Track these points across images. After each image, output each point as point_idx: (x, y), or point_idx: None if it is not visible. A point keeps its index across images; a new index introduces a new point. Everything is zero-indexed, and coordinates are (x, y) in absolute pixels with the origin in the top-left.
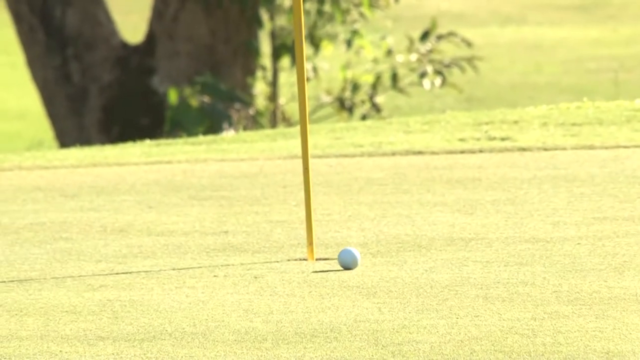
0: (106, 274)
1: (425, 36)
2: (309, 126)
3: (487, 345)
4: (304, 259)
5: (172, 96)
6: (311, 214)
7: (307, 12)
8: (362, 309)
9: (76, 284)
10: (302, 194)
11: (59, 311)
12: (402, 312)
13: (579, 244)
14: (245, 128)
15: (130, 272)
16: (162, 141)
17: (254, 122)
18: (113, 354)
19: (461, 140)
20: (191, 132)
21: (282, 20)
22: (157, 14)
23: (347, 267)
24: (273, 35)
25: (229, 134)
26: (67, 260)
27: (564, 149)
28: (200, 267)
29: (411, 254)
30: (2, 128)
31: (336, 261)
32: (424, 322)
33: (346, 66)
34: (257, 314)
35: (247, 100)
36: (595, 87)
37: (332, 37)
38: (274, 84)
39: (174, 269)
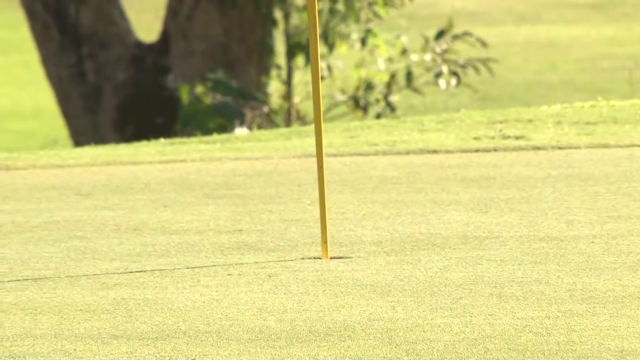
0: (120, 273)
1: (440, 35)
2: (323, 125)
3: (501, 344)
4: (318, 258)
5: (184, 93)
6: (325, 213)
7: (320, 11)
8: (376, 307)
9: (90, 282)
10: (316, 192)
11: (73, 310)
12: (416, 310)
13: (593, 242)
14: (259, 127)
15: (144, 271)
16: (177, 140)
17: (269, 121)
18: (127, 352)
19: (476, 139)
20: (203, 130)
21: (296, 19)
22: (172, 13)
23: None
24: (287, 34)
25: (241, 132)
26: (82, 259)
27: (579, 147)
28: (215, 265)
29: (425, 253)
30: (16, 127)
31: (351, 259)
32: (438, 320)
33: (360, 65)
34: (271, 312)
35: (261, 98)
36: (609, 86)
37: (346, 36)
38: (288, 82)
39: (188, 268)
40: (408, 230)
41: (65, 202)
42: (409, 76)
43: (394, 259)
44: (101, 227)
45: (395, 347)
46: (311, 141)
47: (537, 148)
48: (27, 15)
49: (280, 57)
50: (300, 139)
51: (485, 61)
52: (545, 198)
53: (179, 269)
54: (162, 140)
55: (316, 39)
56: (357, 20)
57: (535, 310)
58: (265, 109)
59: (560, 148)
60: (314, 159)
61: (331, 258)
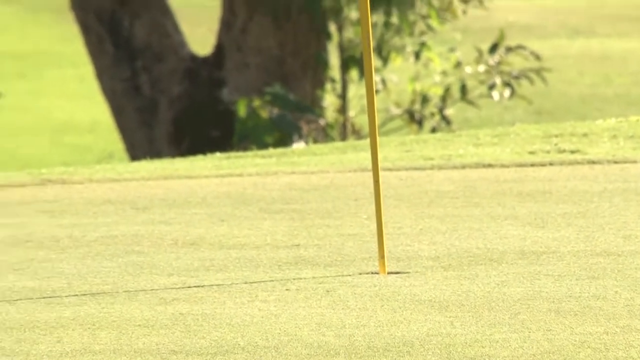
0: (178, 288)
1: (493, 48)
2: (378, 139)
3: (559, 359)
4: (376, 273)
5: (241, 108)
6: (382, 227)
7: (374, 24)
8: (434, 322)
9: (148, 297)
10: (372, 207)
11: (132, 325)
12: (474, 326)
13: None
14: (315, 140)
15: (202, 286)
16: (233, 154)
17: (324, 135)
18: None
19: (531, 153)
20: (261, 144)
21: (350, 33)
22: (226, 26)
23: None
24: (341, 48)
25: (298, 146)
26: (139, 274)
27: (634, 161)
28: (272, 280)
29: (483, 268)
30: (72, 141)
31: (408, 274)
32: (496, 336)
33: (415, 78)
34: (330, 327)
35: (317, 112)
36: None
37: (400, 50)
38: (343, 96)
39: (246, 283)
40: (465, 245)
41: (122, 216)
42: (463, 89)
43: (452, 274)
44: (158, 241)
45: None
46: (367, 155)
47: (593, 162)
48: (81, 28)
49: (335, 71)
50: (356, 153)
51: (538, 71)
52: (602, 213)
53: (237, 284)
54: (218, 154)
55: (370, 53)
56: (411, 33)
57: (593, 326)
58: (322, 123)
59: (616, 162)
60: (370, 173)
61: (389, 273)
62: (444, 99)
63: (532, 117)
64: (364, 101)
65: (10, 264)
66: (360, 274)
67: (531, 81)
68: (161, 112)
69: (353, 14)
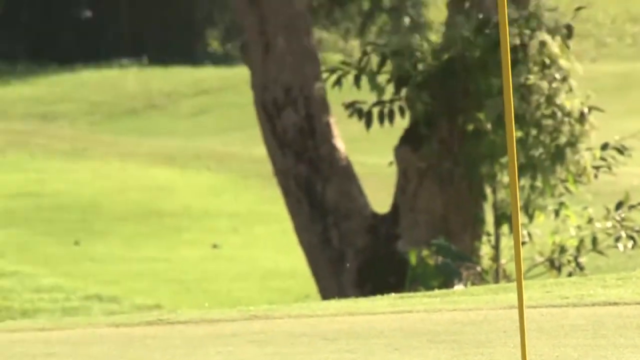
0: None
1: (619, 206)
2: (524, 282)
3: None
4: None
5: (412, 257)
6: (526, 355)
7: (522, 188)
8: None
9: None
10: (518, 338)
11: None
12: None
13: None
14: (473, 283)
15: None
16: (405, 294)
17: (480, 279)
18: None
19: None
20: (428, 286)
21: (502, 194)
22: (401, 190)
23: None
24: (495, 207)
25: (459, 288)
26: None
27: None
28: None
29: None
30: (276, 285)
31: None
32: None
33: (555, 232)
34: None
35: (474, 260)
36: None
37: (543, 208)
38: (496, 247)
39: None
40: None
41: (314, 347)
42: (594, 241)
43: None
44: None
45: None
46: (514, 295)
47: None
48: (283, 191)
49: (490, 226)
50: (506, 294)
51: None
52: None
53: None
54: (393, 294)
55: (517, 211)
56: (552, 194)
57: None
58: (478, 269)
59: None
60: (516, 310)
61: None
62: (579, 249)
63: None
64: (513, 251)
65: None
66: None
67: None
68: (348, 262)
69: (505, 178)
